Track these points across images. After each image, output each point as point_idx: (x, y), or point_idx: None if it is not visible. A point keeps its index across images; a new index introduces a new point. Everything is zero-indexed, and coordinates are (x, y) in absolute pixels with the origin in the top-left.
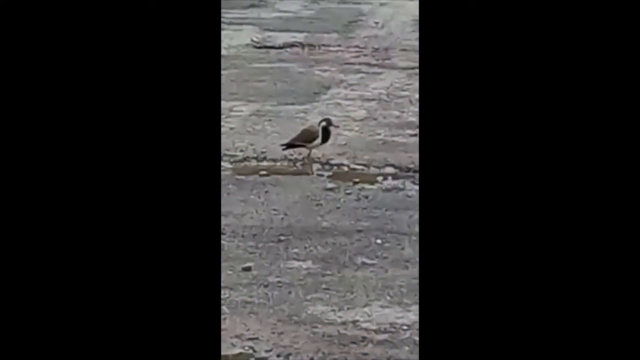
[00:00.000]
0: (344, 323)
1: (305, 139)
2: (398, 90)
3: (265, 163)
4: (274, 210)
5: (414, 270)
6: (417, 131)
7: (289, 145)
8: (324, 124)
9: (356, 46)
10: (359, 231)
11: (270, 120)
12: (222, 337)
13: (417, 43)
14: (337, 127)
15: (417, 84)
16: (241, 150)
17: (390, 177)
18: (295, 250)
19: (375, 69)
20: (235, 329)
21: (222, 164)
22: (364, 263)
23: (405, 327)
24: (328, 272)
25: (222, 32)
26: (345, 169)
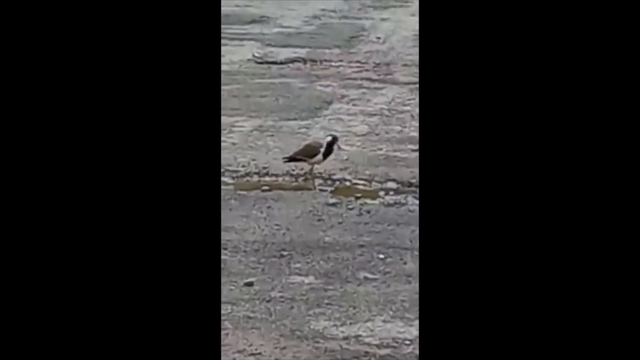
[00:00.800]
0: (346, 338)
1: (307, 153)
2: (400, 105)
3: (267, 178)
4: (276, 225)
5: (416, 285)
6: (418, 146)
7: (291, 159)
8: (329, 139)
9: (358, 61)
10: (361, 246)
11: (272, 135)
12: (224, 353)
13: (417, 57)
14: (340, 148)
15: (418, 99)
16: (243, 166)
17: (392, 192)
18: (298, 265)
19: (377, 84)
20: (237, 344)
21: (224, 179)
22: (366, 278)
23: (407, 342)
24: (330, 287)
25: (224, 48)
26: (347, 184)
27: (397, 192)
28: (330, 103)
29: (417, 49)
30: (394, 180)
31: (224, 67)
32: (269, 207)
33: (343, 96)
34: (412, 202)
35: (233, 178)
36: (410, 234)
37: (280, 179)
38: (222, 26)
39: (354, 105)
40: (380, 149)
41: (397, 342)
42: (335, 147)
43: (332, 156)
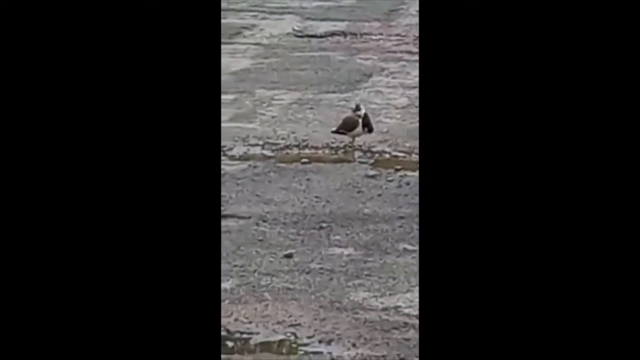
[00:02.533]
0: (385, 309)
1: (347, 127)
2: None
3: (306, 151)
4: (316, 197)
5: None
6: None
7: (336, 132)
8: (360, 111)
9: (397, 34)
10: (401, 217)
11: (311, 108)
12: (264, 324)
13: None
14: (373, 112)
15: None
16: (282, 139)
17: None
18: (337, 237)
19: (417, 57)
20: (277, 316)
21: (264, 151)
22: (405, 249)
23: None
24: (370, 259)
25: (263, 21)
26: (387, 156)
27: None
28: (369, 76)
29: None
30: None
31: (264, 41)
32: (308, 180)
33: (382, 69)
34: None
35: (272, 151)
36: None
37: (319, 151)
38: (262, 0)
39: (393, 78)
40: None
41: None
42: (369, 116)
43: (375, 130)
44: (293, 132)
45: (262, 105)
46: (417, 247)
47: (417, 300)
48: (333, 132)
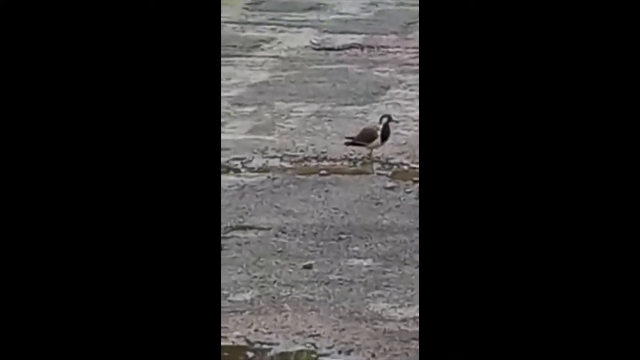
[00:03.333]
0: (404, 320)
1: (365, 138)
2: None
3: (325, 163)
4: (334, 208)
5: None
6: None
7: (351, 143)
8: (385, 120)
9: (414, 47)
10: (419, 229)
11: (330, 120)
12: (284, 334)
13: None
14: (397, 122)
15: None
16: (301, 151)
17: None
18: (356, 248)
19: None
20: (296, 327)
21: (282, 163)
22: None
23: None
24: (388, 270)
25: (282, 34)
26: (405, 167)
27: None
28: (387, 88)
29: None
30: None
31: (282, 54)
32: (327, 191)
33: (400, 81)
34: None
35: (291, 163)
36: None
37: (338, 163)
38: (281, 13)
39: (411, 90)
40: None
41: None
42: (390, 126)
43: (389, 140)
44: (311, 144)
45: (280, 117)
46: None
47: None
48: (348, 143)
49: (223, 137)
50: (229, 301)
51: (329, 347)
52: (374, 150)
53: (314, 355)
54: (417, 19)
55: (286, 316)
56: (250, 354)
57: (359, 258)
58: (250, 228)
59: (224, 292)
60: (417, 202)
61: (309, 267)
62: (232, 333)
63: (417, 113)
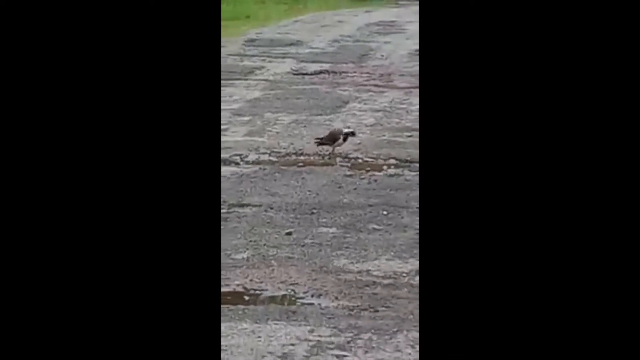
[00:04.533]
0: (360, 272)
1: (331, 139)
2: (398, 104)
3: (302, 157)
4: (309, 191)
5: (411, 233)
6: (412, 133)
7: (320, 143)
8: (349, 131)
9: (367, 72)
10: (370, 205)
11: (305, 126)
12: (272, 283)
13: (412, 70)
14: (355, 135)
15: (412, 99)
16: (284, 148)
17: (392, 167)
18: (324, 219)
19: (381, 89)
20: (281, 277)
21: (270, 158)
22: (374, 228)
23: (404, 274)
24: (348, 235)
25: (270, 64)
26: (360, 160)
27: (396, 166)
28: (347, 103)
29: (410, 63)
30: (394, 158)
31: (270, 78)
32: (303, 178)
33: (356, 98)
34: (408, 174)
35: (277, 157)
36: (406, 196)
37: (311, 157)
38: (269, 48)
39: (364, 104)
40: (384, 135)
41: (396, 275)
42: (349, 137)
43: (348, 141)
44: (292, 144)
45: (269, 124)
46: (382, 227)
47: (383, 265)
48: (318, 143)
49: (226, 138)
50: (231, 259)
51: (305, 292)
52: (337, 148)
53: (293, 298)
54: (368, 52)
55: (273, 270)
56: (246, 298)
57: (326, 227)
58: (247, 205)
59: (227, 252)
60: (368, 185)
61: (289, 233)
62: (233, 282)
63: (368, 120)
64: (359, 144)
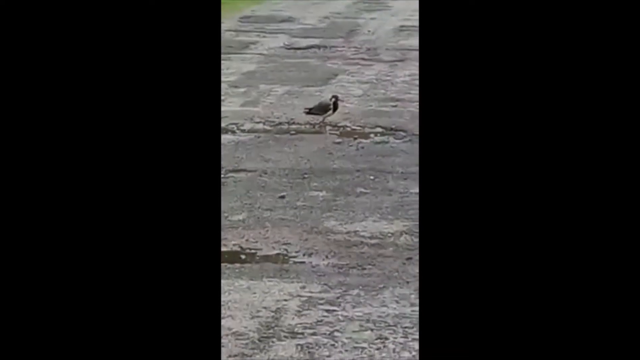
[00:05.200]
0: (348, 232)
1: (321, 109)
2: (384, 76)
3: (294, 126)
4: (300, 157)
5: (396, 197)
6: (396, 103)
7: (310, 113)
8: (334, 98)
9: (355, 47)
10: (358, 171)
11: (297, 97)
12: (266, 243)
13: (396, 44)
14: (342, 101)
15: (396, 72)
16: (277, 118)
17: (379, 134)
18: (315, 184)
19: (368, 62)
20: (274, 237)
21: (265, 127)
22: (361, 192)
23: (390, 235)
24: (337, 198)
25: (264, 39)
26: (348, 129)
27: (382, 134)
28: (336, 75)
29: (395, 39)
30: (380, 126)
31: (264, 52)
32: (295, 145)
33: (345, 70)
34: (393, 141)
35: (271, 126)
36: (391, 162)
37: (302, 126)
38: (263, 24)
39: (352, 76)
40: (371, 106)
41: (382, 235)
42: (339, 103)
43: (337, 111)
44: (284, 113)
45: (263, 95)
46: (369, 191)
47: (369, 226)
48: (308, 113)
49: (223, 108)
50: (228, 220)
51: (297, 252)
52: (327, 117)
53: (286, 257)
54: (356, 28)
55: (267, 230)
56: (243, 256)
57: (317, 191)
58: (243, 170)
59: (224, 214)
60: (355, 152)
61: (282, 197)
62: (230, 242)
63: (356, 92)
64: (348, 113)
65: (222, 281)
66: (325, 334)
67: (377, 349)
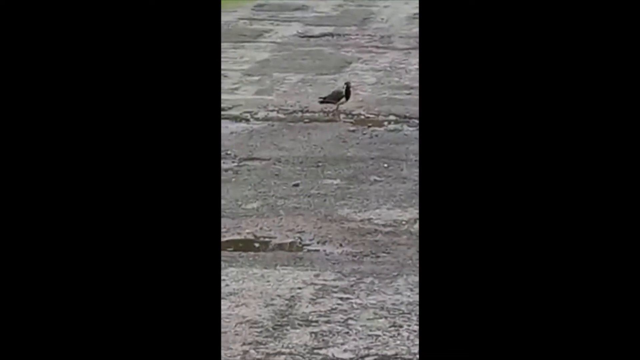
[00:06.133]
0: (362, 220)
1: (335, 97)
2: (397, 64)
3: (307, 114)
4: (314, 145)
5: (410, 184)
6: (410, 91)
7: (324, 101)
8: (346, 85)
9: (369, 35)
10: (372, 158)
11: (310, 85)
12: (280, 231)
13: (410, 32)
14: (355, 89)
15: (410, 59)
16: (291, 106)
17: (392, 122)
18: (329, 172)
19: (382, 50)
20: (288, 225)
21: (279, 115)
22: (375, 180)
23: (404, 222)
24: (351, 186)
25: (278, 27)
26: (362, 117)
27: (395, 122)
28: (350, 63)
29: (409, 26)
30: (393, 114)
31: (278, 40)
32: (309, 134)
33: (358, 58)
34: (406, 129)
35: (285, 114)
36: (405, 150)
37: (316, 114)
38: (277, 12)
39: (366, 64)
40: (384, 93)
41: (396, 223)
42: (351, 89)
43: (351, 99)
44: (298, 102)
45: (277, 83)
46: (382, 178)
47: (383, 214)
48: (322, 101)
49: (238, 97)
50: (242, 209)
51: (311, 240)
52: (341, 105)
53: (300, 245)
54: (370, 16)
55: (281, 219)
56: (256, 245)
57: (330, 179)
58: (256, 159)
59: (238, 202)
60: (369, 140)
61: (297, 185)
62: (244, 230)
63: (370, 80)
64: (362, 101)
65: (237, 269)
66: (339, 321)
67: (391, 336)
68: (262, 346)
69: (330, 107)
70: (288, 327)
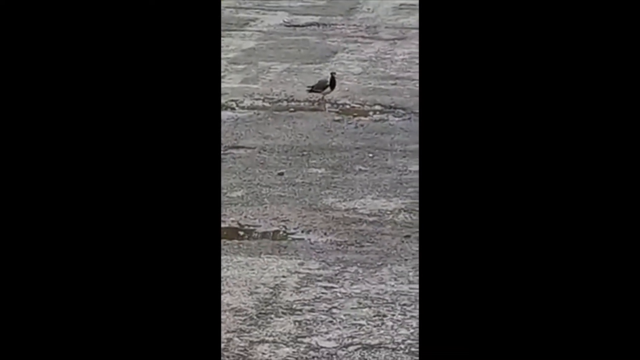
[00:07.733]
0: (347, 209)
1: (320, 87)
2: (383, 54)
3: (293, 103)
4: (300, 134)
5: (395, 174)
6: (396, 81)
7: (311, 91)
8: (331, 75)
9: (354, 25)
10: (357, 148)
11: (296, 74)
12: (265, 220)
13: (396, 22)
14: (340, 79)
15: (396, 50)
16: (277, 95)
17: (378, 112)
18: (314, 161)
19: (367, 40)
20: (273, 214)
21: (264, 104)
22: (360, 169)
23: (388, 212)
24: (336, 176)
25: (264, 16)
26: (347, 106)
27: (381, 112)
28: (336, 53)
29: (395, 17)
30: (379, 104)
31: (264, 29)
32: (294, 123)
33: (344, 48)
34: (392, 119)
35: (270, 103)
36: (390, 140)
37: (302, 103)
38: (263, 1)
39: (351, 54)
40: (370, 83)
41: (381, 213)
42: (336, 79)
43: (336, 89)
44: (284, 91)
45: (263, 72)
46: (367, 168)
47: (368, 204)
48: (309, 91)
49: (223, 85)
50: (227, 197)
51: (295, 228)
52: (326, 95)
53: (284, 234)
54: (356, 5)
55: (266, 207)
56: (241, 233)
57: (315, 168)
58: (242, 147)
59: (223, 191)
60: (355, 130)
61: (281, 174)
62: (228, 219)
63: (355, 70)
64: (347, 91)
65: (221, 257)
66: (323, 310)
67: (375, 326)
68: (245, 334)
69: (316, 96)
70: (272, 316)
